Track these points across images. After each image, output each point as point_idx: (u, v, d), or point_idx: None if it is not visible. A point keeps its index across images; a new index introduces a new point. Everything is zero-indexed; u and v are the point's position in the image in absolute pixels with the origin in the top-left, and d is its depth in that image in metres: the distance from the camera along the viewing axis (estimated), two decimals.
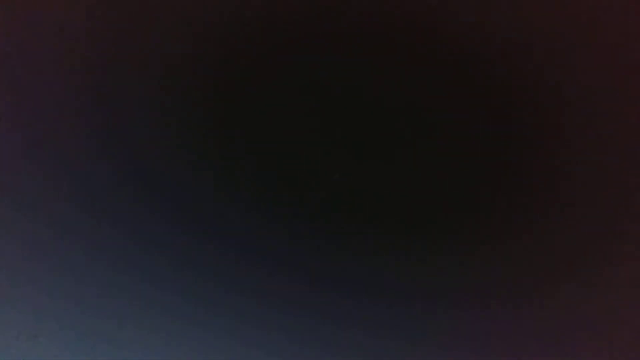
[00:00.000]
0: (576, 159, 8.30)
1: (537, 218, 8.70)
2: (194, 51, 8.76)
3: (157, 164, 8.90)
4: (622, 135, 7.38)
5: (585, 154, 8.11)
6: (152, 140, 8.76)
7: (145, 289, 9.13)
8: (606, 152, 7.73)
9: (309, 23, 8.27)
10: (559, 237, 8.43)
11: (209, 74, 9.32)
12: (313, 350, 8.98)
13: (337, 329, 9.03)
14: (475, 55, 8.28)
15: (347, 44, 9.20)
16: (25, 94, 8.36)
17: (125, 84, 8.53)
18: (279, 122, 9.28)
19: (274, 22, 8.44)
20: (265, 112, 9.21)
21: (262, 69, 9.19)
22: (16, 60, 8.67)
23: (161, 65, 8.58)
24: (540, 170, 8.54)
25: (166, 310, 9.07)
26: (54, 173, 8.60)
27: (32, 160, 8.58)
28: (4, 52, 8.49)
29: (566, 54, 7.77)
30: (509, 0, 7.79)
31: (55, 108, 8.59)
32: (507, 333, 8.98)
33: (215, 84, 9.11)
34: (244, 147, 9.38)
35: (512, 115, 8.51)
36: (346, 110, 9.22)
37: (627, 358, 7.31)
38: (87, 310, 9.02)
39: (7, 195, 8.70)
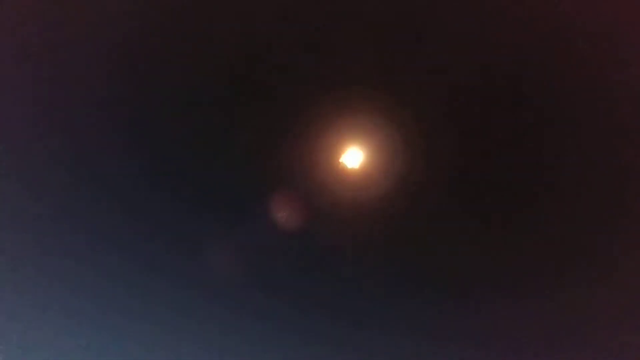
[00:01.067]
0: (578, 163, 8.32)
1: (540, 219, 8.74)
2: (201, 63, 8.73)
3: (175, 163, 8.81)
4: (622, 137, 7.44)
5: (588, 157, 8.14)
6: (172, 141, 8.80)
7: (155, 283, 9.08)
8: (607, 155, 7.79)
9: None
10: (560, 236, 8.51)
11: (217, 80, 9.23)
12: (317, 345, 8.97)
13: (344, 325, 9.02)
14: (476, 58, 8.32)
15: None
16: (49, 94, 8.40)
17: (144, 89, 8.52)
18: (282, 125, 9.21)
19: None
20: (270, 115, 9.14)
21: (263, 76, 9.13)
22: (44, 62, 8.72)
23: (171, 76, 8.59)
24: (540, 171, 8.59)
25: (173, 304, 8.99)
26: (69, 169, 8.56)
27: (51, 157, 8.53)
28: (35, 53, 8.60)
29: (567, 56, 7.86)
30: (513, 6, 7.76)
31: (74, 109, 8.57)
32: (511, 329, 9.03)
33: (225, 92, 9.04)
34: (246, 149, 9.25)
35: (515, 118, 8.50)
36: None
37: (628, 352, 7.36)
38: (98, 304, 8.94)
39: (30, 191, 8.74)
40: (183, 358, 10.78)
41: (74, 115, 10.87)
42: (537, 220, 11.44)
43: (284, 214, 11.94)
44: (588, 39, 10.38)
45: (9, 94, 10.25)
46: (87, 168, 10.73)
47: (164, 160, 11.15)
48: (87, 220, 10.69)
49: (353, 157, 11.84)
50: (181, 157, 11.40)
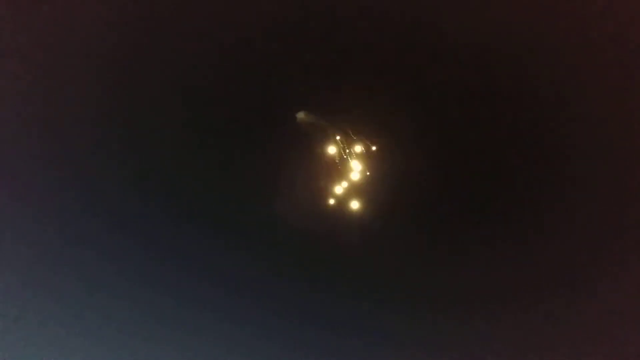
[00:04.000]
0: (578, 169, 8.40)
1: (540, 224, 8.77)
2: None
3: (165, 170, 8.98)
4: (624, 141, 7.51)
5: (588, 162, 8.22)
6: (164, 148, 8.90)
7: (147, 292, 9.11)
8: (608, 159, 7.86)
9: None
10: (560, 243, 8.52)
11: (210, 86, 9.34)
12: (309, 353, 9.06)
13: (334, 333, 9.11)
14: (477, 60, 8.42)
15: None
16: (42, 102, 8.50)
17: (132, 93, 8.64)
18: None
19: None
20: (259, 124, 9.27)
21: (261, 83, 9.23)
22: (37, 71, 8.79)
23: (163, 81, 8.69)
24: (541, 175, 8.63)
25: (167, 313, 9.06)
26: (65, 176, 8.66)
27: (45, 163, 8.63)
28: (31, 62, 8.72)
29: (568, 61, 7.93)
30: (511, 7, 7.89)
31: (67, 116, 8.69)
32: (510, 336, 9.05)
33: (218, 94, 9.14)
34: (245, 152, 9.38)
35: (514, 121, 8.61)
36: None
37: (626, 358, 7.39)
38: (90, 313, 8.99)
39: (20, 198, 8.84)
40: None
41: (67, 125, 10.74)
42: (538, 235, 11.31)
43: (281, 213, 11.84)
44: (589, 41, 10.29)
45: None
46: (79, 175, 10.62)
47: (155, 168, 11.03)
48: (78, 228, 10.52)
49: (354, 169, 11.70)
50: (174, 165, 11.26)
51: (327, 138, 10.70)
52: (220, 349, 10.08)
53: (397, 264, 10.99)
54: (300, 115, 10.51)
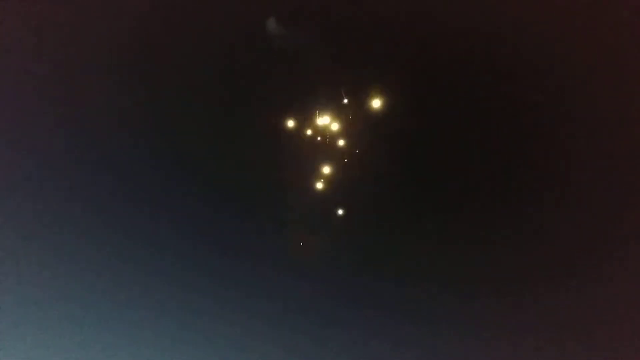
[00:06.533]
0: (578, 159, 8.39)
1: (542, 217, 8.81)
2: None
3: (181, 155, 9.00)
4: (623, 138, 7.47)
5: (588, 153, 8.21)
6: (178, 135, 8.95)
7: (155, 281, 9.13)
8: (607, 153, 7.83)
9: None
10: (561, 234, 8.55)
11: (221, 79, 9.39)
12: (325, 328, 9.09)
13: (346, 318, 8.98)
14: (478, 59, 8.40)
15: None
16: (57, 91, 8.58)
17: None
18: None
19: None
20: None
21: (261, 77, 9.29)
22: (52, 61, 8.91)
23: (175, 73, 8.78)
24: (544, 170, 8.64)
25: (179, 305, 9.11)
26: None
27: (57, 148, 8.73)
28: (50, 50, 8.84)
29: (568, 58, 7.87)
30: (513, 6, 7.84)
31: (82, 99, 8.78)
32: (509, 323, 9.09)
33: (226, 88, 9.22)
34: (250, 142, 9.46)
35: (514, 117, 8.63)
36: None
37: (626, 351, 7.34)
38: (91, 306, 9.07)
39: (37, 185, 8.86)
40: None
41: (88, 116, 10.90)
42: (535, 223, 11.27)
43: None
44: (586, 38, 10.21)
45: (27, 90, 10.32)
46: (102, 163, 10.74)
47: (175, 152, 11.12)
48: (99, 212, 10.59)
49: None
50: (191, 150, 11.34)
51: (311, 60, 9.62)
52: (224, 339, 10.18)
53: (402, 242, 10.77)
54: (271, 23, 9.30)
